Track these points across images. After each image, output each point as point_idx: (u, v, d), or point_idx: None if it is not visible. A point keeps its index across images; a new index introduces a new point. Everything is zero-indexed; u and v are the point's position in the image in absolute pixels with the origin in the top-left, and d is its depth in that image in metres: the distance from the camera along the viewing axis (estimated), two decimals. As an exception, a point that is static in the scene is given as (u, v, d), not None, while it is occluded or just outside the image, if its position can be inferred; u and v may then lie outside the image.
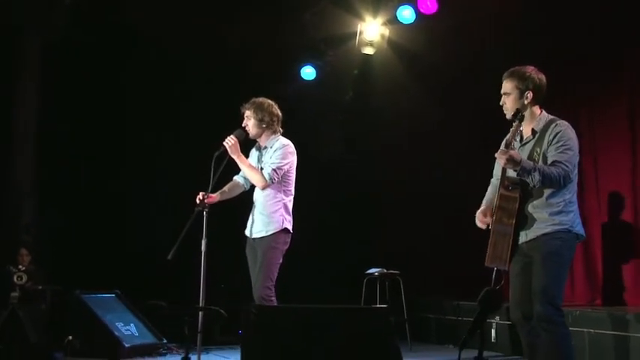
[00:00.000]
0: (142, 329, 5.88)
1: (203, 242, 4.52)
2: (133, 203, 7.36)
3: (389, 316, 2.68)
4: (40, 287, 5.97)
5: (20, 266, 6.17)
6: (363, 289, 6.34)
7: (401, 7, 6.83)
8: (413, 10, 6.77)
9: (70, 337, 5.62)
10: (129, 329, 5.73)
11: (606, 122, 6.44)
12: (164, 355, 5.80)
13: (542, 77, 3.79)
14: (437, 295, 7.06)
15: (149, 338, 5.87)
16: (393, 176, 8.01)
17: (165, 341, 5.93)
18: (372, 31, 7.37)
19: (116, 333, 5.57)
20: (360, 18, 7.40)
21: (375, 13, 7.33)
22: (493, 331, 6.19)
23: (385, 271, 6.26)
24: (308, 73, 7.94)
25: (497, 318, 6.19)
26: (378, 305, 2.66)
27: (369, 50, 7.42)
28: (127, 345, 5.51)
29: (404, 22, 6.91)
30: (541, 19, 6.76)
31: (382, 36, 7.38)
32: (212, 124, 7.58)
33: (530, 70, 3.79)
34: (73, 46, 7.24)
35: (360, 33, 7.37)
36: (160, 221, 7.34)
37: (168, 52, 7.61)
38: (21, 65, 7.33)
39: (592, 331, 5.16)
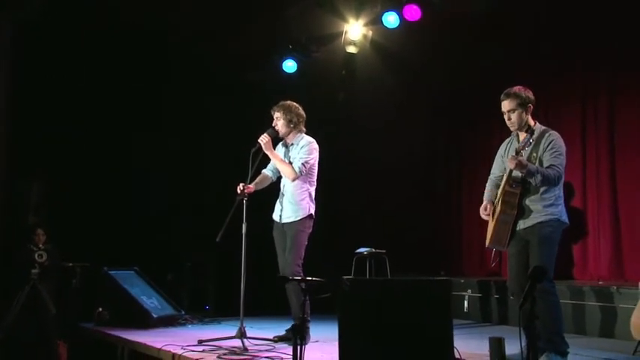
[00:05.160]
0: (162, 302, 6.62)
1: (243, 226, 5.31)
2: (135, 185, 8.05)
3: (450, 288, 3.63)
4: (71, 264, 6.61)
5: (40, 245, 6.80)
6: (353, 267, 7.29)
7: (386, 13, 7.64)
8: (397, 17, 7.63)
9: (100, 309, 6.35)
10: (153, 302, 6.45)
11: (561, 124, 7.58)
12: (183, 324, 6.55)
13: (531, 93, 4.76)
14: (413, 272, 8.12)
15: (170, 310, 6.60)
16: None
17: (183, 313, 6.72)
18: (355, 31, 8.17)
19: (144, 305, 6.30)
20: (343, 19, 8.23)
21: (357, 15, 8.17)
22: (465, 302, 7.31)
23: (374, 250, 7.24)
24: (289, 66, 8.70)
25: (470, 291, 7.34)
26: (441, 277, 3.57)
27: (352, 49, 8.30)
28: (155, 315, 6.25)
29: (389, 27, 7.75)
30: (506, 28, 7.86)
31: (365, 36, 8.27)
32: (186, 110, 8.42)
33: (522, 88, 4.70)
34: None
35: (345, 32, 8.22)
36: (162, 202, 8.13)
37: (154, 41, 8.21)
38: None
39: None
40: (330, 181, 8.95)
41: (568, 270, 7.39)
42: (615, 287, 5.91)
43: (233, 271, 7.71)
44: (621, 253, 6.94)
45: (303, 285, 3.58)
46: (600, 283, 6.54)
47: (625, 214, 6.95)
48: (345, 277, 3.53)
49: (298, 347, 3.39)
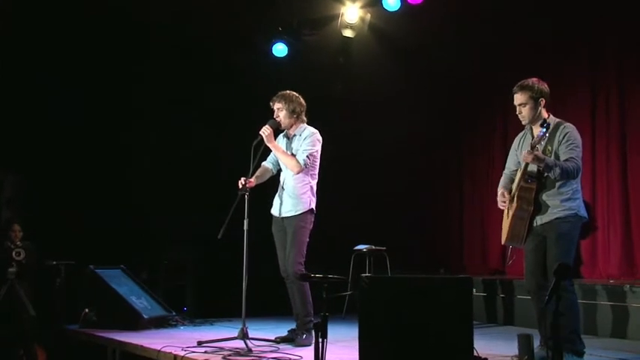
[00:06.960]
0: (151, 302, 6.63)
1: (245, 222, 5.32)
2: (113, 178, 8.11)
3: (472, 286, 3.79)
4: (54, 262, 6.63)
5: (18, 242, 6.80)
6: (352, 264, 7.45)
7: (387, -5, 7.80)
8: (399, -1, 7.79)
9: (87, 310, 6.40)
10: (142, 302, 6.47)
11: (569, 115, 7.79)
12: (174, 325, 6.56)
13: (546, 85, 4.90)
14: (412, 269, 8.27)
15: (160, 311, 6.61)
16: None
17: (173, 313, 6.78)
18: (352, 14, 8.21)
19: (134, 306, 6.34)
20: (340, 0, 8.29)
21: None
22: (470, 301, 7.49)
23: (373, 247, 7.40)
24: (280, 50, 8.78)
25: (474, 290, 7.52)
26: (462, 275, 3.74)
27: (348, 33, 8.40)
28: (145, 316, 6.25)
29: (389, 10, 7.85)
30: (511, 13, 8.03)
31: (362, 19, 8.34)
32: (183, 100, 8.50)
33: (536, 80, 4.84)
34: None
35: (342, 15, 8.23)
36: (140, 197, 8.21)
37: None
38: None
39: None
40: (326, 175, 9.11)
41: (576, 268, 7.56)
42: (628, 286, 6.08)
43: (213, 271, 7.89)
44: (632, 250, 7.09)
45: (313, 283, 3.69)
46: (611, 281, 6.72)
47: (636, 211, 7.10)
48: (364, 275, 3.67)
49: (320, 344, 3.52)
